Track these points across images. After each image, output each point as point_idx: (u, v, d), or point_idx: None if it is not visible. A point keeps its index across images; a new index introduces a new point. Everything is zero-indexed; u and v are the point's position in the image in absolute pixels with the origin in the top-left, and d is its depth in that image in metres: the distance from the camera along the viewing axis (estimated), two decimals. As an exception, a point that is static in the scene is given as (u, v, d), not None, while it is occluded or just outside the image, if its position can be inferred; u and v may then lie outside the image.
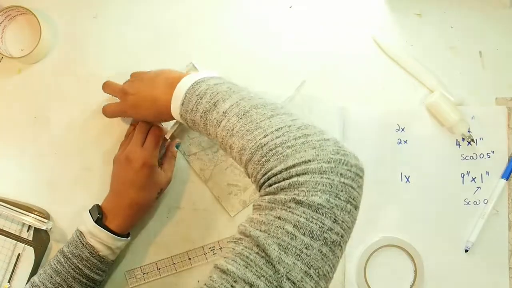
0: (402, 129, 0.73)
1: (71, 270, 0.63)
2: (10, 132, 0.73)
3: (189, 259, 0.72)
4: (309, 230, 0.37)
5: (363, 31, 0.74)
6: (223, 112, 0.48)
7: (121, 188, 0.66)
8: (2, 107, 0.74)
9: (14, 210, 0.70)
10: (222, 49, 0.74)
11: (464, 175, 0.73)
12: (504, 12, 0.74)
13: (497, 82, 0.74)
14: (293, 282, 0.36)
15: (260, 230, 0.38)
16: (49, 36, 0.73)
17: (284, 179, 0.39)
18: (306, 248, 0.37)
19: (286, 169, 0.39)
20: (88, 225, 0.64)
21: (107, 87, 0.69)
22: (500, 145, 0.73)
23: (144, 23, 0.74)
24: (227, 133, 0.47)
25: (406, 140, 0.73)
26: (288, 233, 0.37)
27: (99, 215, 0.64)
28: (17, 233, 0.71)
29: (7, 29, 0.73)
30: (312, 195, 0.37)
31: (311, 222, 0.37)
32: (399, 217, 0.73)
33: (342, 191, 0.38)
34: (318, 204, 0.37)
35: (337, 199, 0.38)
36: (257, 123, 0.44)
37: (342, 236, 0.39)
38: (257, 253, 0.38)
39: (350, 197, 0.39)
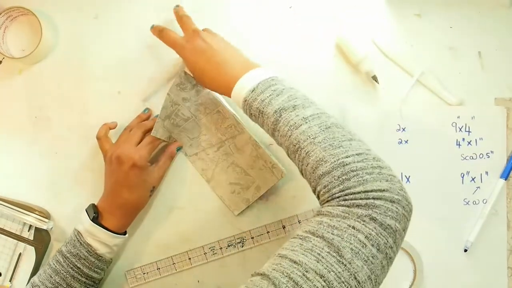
0: (403, 129, 0.73)
1: (70, 269, 0.64)
2: (10, 132, 0.74)
3: (189, 259, 0.72)
4: (377, 243, 0.44)
5: (363, 31, 0.74)
6: (303, 117, 0.52)
7: (114, 187, 0.66)
8: (3, 107, 0.74)
9: (15, 210, 0.70)
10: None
11: (464, 175, 0.73)
12: (503, 12, 0.74)
13: (497, 82, 0.74)
14: (358, 282, 0.43)
15: (332, 234, 0.44)
16: (50, 37, 0.73)
17: (361, 199, 0.45)
18: (372, 257, 0.44)
19: (365, 192, 0.46)
20: (85, 224, 0.65)
21: (168, 38, 0.65)
22: (499, 145, 0.73)
23: (144, 23, 0.74)
24: (307, 139, 0.51)
25: (407, 140, 0.73)
26: (360, 241, 0.44)
27: (95, 214, 0.65)
28: (18, 233, 0.72)
29: (8, 30, 0.73)
30: (384, 216, 0.45)
31: (379, 237, 0.44)
32: (399, 217, 0.73)
33: (402, 220, 0.46)
34: (387, 225, 0.45)
35: (399, 225, 0.46)
36: (339, 141, 0.49)
37: (394, 255, 0.46)
38: (328, 252, 0.44)
39: (405, 226, 0.47)
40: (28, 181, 0.73)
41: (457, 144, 0.74)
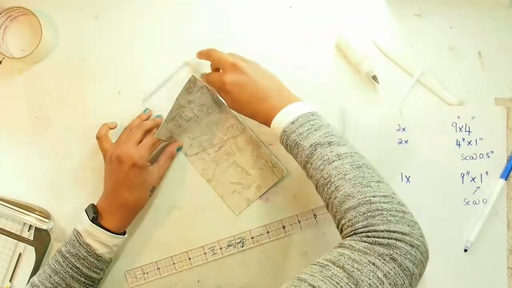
0: (403, 129, 0.73)
1: (69, 269, 0.64)
2: (11, 132, 0.74)
3: (189, 259, 0.72)
4: (394, 283, 0.46)
5: (363, 31, 0.74)
6: (337, 154, 0.55)
7: (113, 187, 0.66)
8: (3, 107, 0.74)
9: (15, 210, 0.70)
10: (221, 49, 0.74)
11: (464, 175, 0.73)
12: (503, 12, 0.74)
13: (497, 82, 0.74)
14: None
15: (353, 267, 0.46)
16: (50, 37, 0.73)
17: (383, 238, 0.47)
18: None
19: (388, 231, 0.48)
20: (85, 224, 0.65)
21: (212, 53, 0.66)
22: (499, 145, 0.73)
23: (144, 23, 0.74)
24: (339, 174, 0.53)
25: (407, 140, 0.73)
26: (379, 278, 0.46)
27: (94, 214, 0.65)
28: (18, 233, 0.72)
29: (8, 30, 0.73)
30: (404, 258, 0.47)
31: (397, 277, 0.46)
32: (399, 217, 0.73)
33: (419, 266, 0.48)
34: (406, 267, 0.47)
35: (416, 270, 0.48)
36: (368, 181, 0.52)
37: None
38: (347, 283, 0.45)
39: (422, 272, 0.49)
40: (28, 181, 0.73)
41: (457, 144, 0.74)
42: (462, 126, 0.73)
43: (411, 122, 0.73)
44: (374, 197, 0.50)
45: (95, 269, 0.66)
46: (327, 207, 0.56)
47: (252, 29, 0.74)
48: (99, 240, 0.65)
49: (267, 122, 0.62)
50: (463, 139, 0.73)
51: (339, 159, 0.54)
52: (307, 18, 0.74)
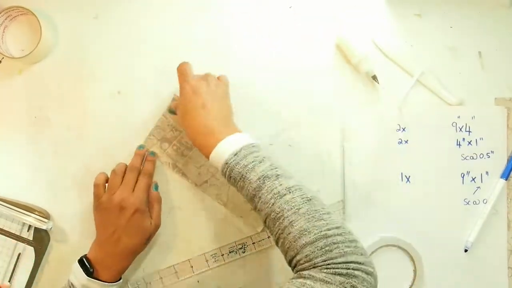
0: (403, 129, 0.73)
1: None
2: (10, 132, 0.74)
3: (191, 267, 0.72)
4: None
5: (363, 31, 0.74)
6: (287, 187, 0.55)
7: (112, 236, 0.65)
8: (3, 107, 0.74)
9: (15, 210, 0.70)
10: (221, 49, 0.74)
11: (464, 175, 0.73)
12: (503, 12, 0.74)
13: (497, 82, 0.74)
14: None
15: None
16: (50, 37, 0.73)
17: (342, 268, 0.50)
18: None
19: (346, 262, 0.50)
20: (81, 279, 0.64)
21: (183, 70, 0.65)
22: (500, 145, 0.73)
23: (144, 23, 0.74)
24: (292, 208, 0.53)
25: (407, 140, 0.73)
26: None
27: (91, 269, 0.64)
28: (17, 233, 0.71)
29: (8, 30, 0.73)
30: (362, 286, 0.49)
31: None
32: (399, 217, 0.73)
33: None
34: None
35: None
36: (320, 214, 0.53)
37: None
38: None
39: None
40: (28, 181, 0.73)
41: (457, 144, 0.73)
42: (462, 126, 0.73)
43: (411, 122, 0.73)
44: (328, 230, 0.52)
45: None
46: (277, 242, 0.55)
47: (252, 29, 0.74)
48: None
49: (207, 153, 0.60)
50: (463, 139, 0.73)
51: (289, 192, 0.54)
52: (307, 18, 0.74)
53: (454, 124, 0.73)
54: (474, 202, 0.73)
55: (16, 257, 0.72)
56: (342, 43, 0.73)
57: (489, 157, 0.73)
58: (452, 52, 0.74)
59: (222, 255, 0.72)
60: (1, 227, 0.71)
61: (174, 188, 0.73)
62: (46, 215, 0.71)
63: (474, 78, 0.74)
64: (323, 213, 0.53)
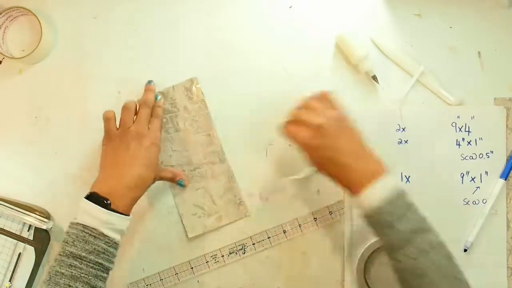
0: (403, 129, 0.73)
1: (91, 269, 0.57)
2: (10, 132, 0.74)
3: (192, 268, 0.72)
4: None
5: (363, 31, 0.74)
6: (430, 244, 0.56)
7: (128, 162, 0.62)
8: (3, 107, 0.74)
9: (15, 210, 0.70)
10: (221, 49, 0.74)
11: (463, 175, 0.73)
12: (503, 12, 0.74)
13: (496, 82, 0.74)
14: None
15: None
16: (50, 37, 0.73)
17: None
18: None
19: None
20: (99, 216, 0.58)
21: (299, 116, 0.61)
22: (499, 145, 0.73)
23: (144, 23, 0.74)
24: (436, 269, 0.55)
25: (407, 140, 0.73)
26: None
27: (108, 201, 0.59)
28: (18, 233, 0.72)
29: (8, 30, 0.73)
30: None
31: None
32: (399, 217, 0.73)
33: None
34: None
35: None
36: (459, 277, 0.56)
37: None
38: None
39: None
40: (28, 181, 0.73)
41: (457, 144, 0.74)
42: (462, 126, 0.73)
43: (411, 122, 0.73)
44: None
45: (113, 259, 0.60)
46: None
47: (252, 29, 0.74)
48: (115, 227, 0.58)
49: (349, 189, 0.59)
50: (463, 139, 0.73)
51: (433, 249, 0.56)
52: (307, 18, 0.74)
53: (454, 124, 0.73)
54: (474, 202, 0.73)
55: (16, 257, 0.72)
56: (342, 43, 0.73)
57: (488, 157, 0.73)
58: (451, 52, 0.74)
59: (222, 256, 0.73)
60: (2, 227, 0.71)
61: (174, 187, 0.73)
62: (46, 215, 0.72)
63: (473, 78, 0.74)
64: (458, 272, 0.57)
